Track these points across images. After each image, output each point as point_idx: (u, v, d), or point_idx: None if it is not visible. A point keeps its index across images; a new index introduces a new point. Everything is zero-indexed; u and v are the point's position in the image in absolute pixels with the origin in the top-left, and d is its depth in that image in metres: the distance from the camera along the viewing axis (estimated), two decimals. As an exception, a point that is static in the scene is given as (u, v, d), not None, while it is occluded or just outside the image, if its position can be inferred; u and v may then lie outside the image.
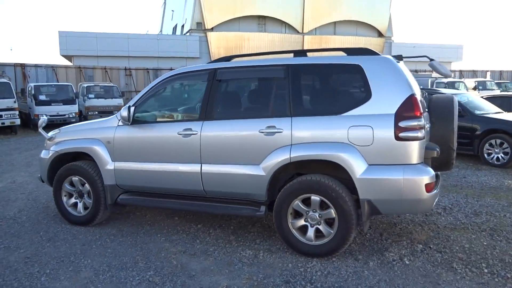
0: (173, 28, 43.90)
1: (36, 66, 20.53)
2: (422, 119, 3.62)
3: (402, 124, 3.57)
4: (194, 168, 4.27)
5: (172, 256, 4.05)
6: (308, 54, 4.23)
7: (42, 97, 15.53)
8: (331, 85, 4.09)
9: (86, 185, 4.83)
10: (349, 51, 4.00)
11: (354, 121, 3.71)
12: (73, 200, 4.99)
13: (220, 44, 35.51)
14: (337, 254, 3.89)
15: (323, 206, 3.85)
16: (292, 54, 4.23)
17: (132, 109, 4.51)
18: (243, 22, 37.43)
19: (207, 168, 4.22)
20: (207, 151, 4.21)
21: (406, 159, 3.60)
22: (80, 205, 4.95)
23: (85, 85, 18.04)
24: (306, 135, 3.85)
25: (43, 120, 5.16)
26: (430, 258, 3.88)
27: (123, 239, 4.52)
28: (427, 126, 3.81)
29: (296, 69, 4.01)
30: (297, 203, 3.91)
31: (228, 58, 4.50)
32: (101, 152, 4.69)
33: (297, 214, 3.98)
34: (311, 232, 3.92)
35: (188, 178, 4.32)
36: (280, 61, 4.10)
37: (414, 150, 3.60)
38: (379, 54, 3.91)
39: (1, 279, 3.64)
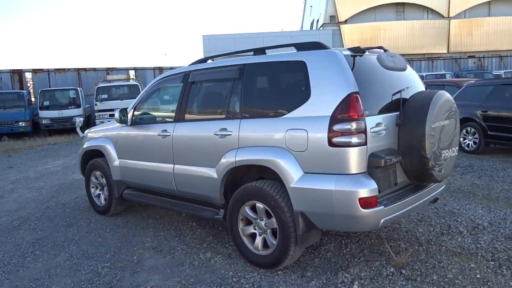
0: (311, 23, 44.18)
1: (171, 68, 23.07)
2: (362, 122, 3.08)
3: (336, 127, 3.10)
4: (169, 167, 4.41)
5: (139, 251, 4.27)
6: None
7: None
8: (277, 85, 3.75)
9: (104, 178, 5.41)
10: (299, 46, 3.62)
11: (292, 124, 3.36)
12: (97, 191, 5.63)
13: (354, 36, 34.36)
14: (282, 267, 3.59)
15: (269, 214, 3.59)
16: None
17: (131, 111, 4.92)
18: (379, 11, 35.59)
19: (177, 168, 4.33)
20: (177, 152, 4.31)
21: (341, 168, 3.11)
22: (102, 196, 5.56)
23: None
24: (250, 138, 3.64)
25: (79, 121, 5.96)
26: (387, 286, 3.28)
27: (120, 231, 4.92)
28: (377, 129, 3.21)
29: (248, 69, 3.80)
30: (246, 209, 3.72)
31: (204, 60, 4.51)
32: (110, 150, 5.18)
33: (248, 221, 3.79)
34: (258, 241, 3.70)
35: (165, 177, 4.48)
36: (236, 62, 3.95)
37: (351, 157, 3.09)
38: (329, 48, 3.44)
39: (1, 255, 4.38)
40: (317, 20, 39.37)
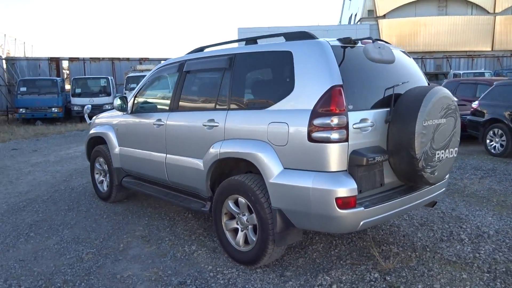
0: (349, 18, 43.27)
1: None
2: (343, 117, 2.90)
3: (316, 122, 2.94)
4: (162, 157, 4.37)
5: (128, 239, 4.26)
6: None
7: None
8: (264, 75, 3.62)
9: (106, 165, 5.46)
10: (287, 36, 3.46)
11: (274, 116, 3.22)
12: (101, 178, 5.69)
13: (393, 32, 33.31)
14: (261, 265, 3.47)
15: (251, 210, 3.48)
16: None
17: (132, 100, 4.92)
18: (420, 6, 34.34)
19: (169, 157, 4.28)
20: (169, 141, 4.26)
21: (321, 165, 2.95)
22: (104, 183, 5.61)
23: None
24: (235, 130, 3.53)
25: (87, 107, 6.03)
26: (367, 292, 3.10)
27: (116, 217, 4.95)
28: (361, 125, 3.01)
29: (238, 59, 3.68)
30: (229, 203, 3.62)
31: (201, 49, 4.42)
32: (112, 137, 5.21)
33: (232, 215, 3.69)
34: (239, 236, 3.59)
35: (157, 166, 4.45)
36: (227, 51, 3.84)
37: (330, 154, 2.92)
38: (316, 38, 3.26)
39: (-2, 236, 4.51)
40: (355, 15, 38.50)
